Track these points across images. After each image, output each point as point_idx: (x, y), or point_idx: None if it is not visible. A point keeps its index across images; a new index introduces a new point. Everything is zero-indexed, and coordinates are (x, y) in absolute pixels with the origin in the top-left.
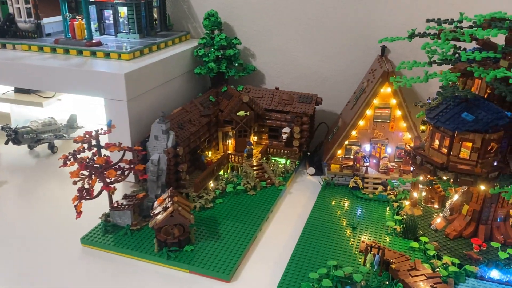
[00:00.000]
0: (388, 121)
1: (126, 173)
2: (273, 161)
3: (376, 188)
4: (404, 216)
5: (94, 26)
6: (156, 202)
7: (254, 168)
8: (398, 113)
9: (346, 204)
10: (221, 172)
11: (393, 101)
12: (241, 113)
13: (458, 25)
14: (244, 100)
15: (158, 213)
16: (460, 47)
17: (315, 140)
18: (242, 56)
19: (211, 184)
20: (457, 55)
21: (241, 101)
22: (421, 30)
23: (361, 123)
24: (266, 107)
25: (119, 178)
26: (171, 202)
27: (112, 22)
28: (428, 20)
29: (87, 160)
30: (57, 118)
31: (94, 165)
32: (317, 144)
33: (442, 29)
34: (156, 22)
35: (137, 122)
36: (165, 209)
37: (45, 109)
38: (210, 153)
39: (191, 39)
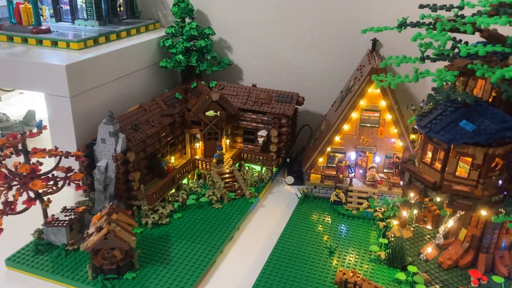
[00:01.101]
0: (377, 125)
1: (60, 183)
2: (247, 168)
3: (361, 204)
4: (391, 238)
5: (50, 11)
6: (92, 219)
7: (224, 176)
8: (389, 117)
9: (326, 222)
10: (185, 181)
11: (383, 103)
12: (210, 113)
13: (459, 12)
14: (213, 98)
15: (92, 234)
16: (460, 40)
17: (298, 145)
18: (216, 48)
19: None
20: (456, 49)
21: (210, 99)
22: (416, 20)
23: (346, 127)
24: (241, 107)
25: (51, 190)
26: (106, 221)
27: (69, 7)
28: (421, 6)
29: (10, 169)
30: (16, 114)
31: (18, 174)
32: (299, 150)
33: (439, 17)
34: (121, 8)
35: (84, 122)
36: (99, 229)
37: (3, 104)
38: (172, 159)
39: (161, 28)
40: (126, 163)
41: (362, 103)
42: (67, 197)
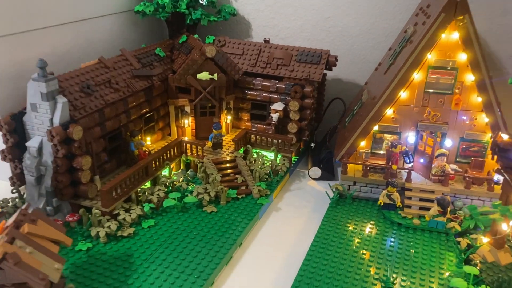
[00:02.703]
0: (450, 92)
1: None
2: (255, 156)
3: (427, 209)
4: (480, 265)
5: None
6: None
7: (223, 166)
8: (470, 78)
9: (373, 235)
10: (166, 172)
11: (462, 57)
12: (204, 75)
13: None
14: (207, 54)
15: None
16: None
17: (325, 125)
18: None
19: (145, 192)
20: None
21: (204, 56)
22: None
23: (403, 95)
24: (248, 70)
25: None
26: (7, 239)
27: None
28: None
29: None
30: None
31: None
32: (327, 131)
33: None
34: None
35: (13, 81)
36: None
37: None
38: (148, 140)
39: None
40: (68, 142)
41: (430, 57)
42: None
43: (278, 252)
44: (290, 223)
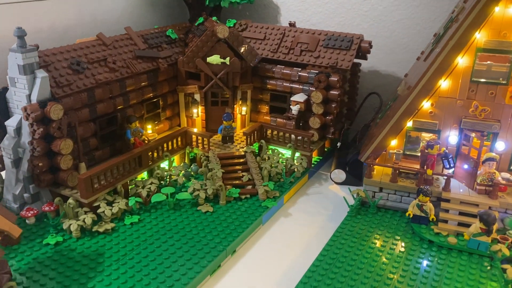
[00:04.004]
0: (505, 82)
1: None
2: (270, 153)
3: (467, 225)
4: None
5: None
6: None
7: (230, 162)
8: None
9: (395, 254)
10: (166, 165)
11: None
12: (215, 59)
13: None
14: (219, 34)
15: None
16: None
17: (360, 123)
18: None
19: (140, 184)
20: None
21: (215, 37)
22: None
23: (443, 84)
24: (268, 57)
25: None
26: None
27: None
28: None
29: None
30: None
31: None
32: (359, 130)
33: None
34: None
35: (2, 54)
36: None
37: None
38: (149, 128)
39: None
40: (45, 122)
41: (479, 37)
42: None
43: (275, 267)
44: (298, 233)
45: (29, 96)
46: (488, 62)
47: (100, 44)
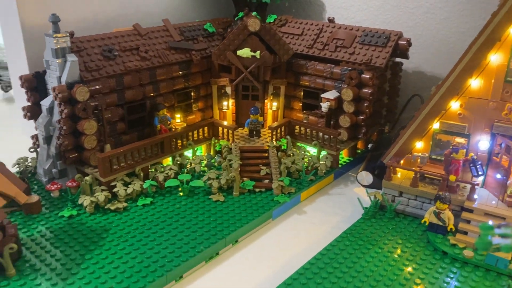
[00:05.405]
0: None
1: None
2: (296, 151)
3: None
4: None
5: None
6: None
7: (251, 155)
8: None
9: (401, 261)
10: (189, 153)
11: None
12: (245, 52)
13: None
14: (250, 27)
15: None
16: None
17: (400, 125)
18: None
19: (162, 167)
20: None
21: (246, 31)
22: None
23: (473, 83)
24: (303, 52)
25: None
26: None
27: None
28: None
29: None
30: None
31: None
32: (395, 133)
33: None
34: None
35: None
36: None
37: None
38: (178, 117)
39: None
40: (72, 102)
41: None
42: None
43: (273, 261)
44: (307, 231)
45: (59, 78)
46: None
47: (135, 34)
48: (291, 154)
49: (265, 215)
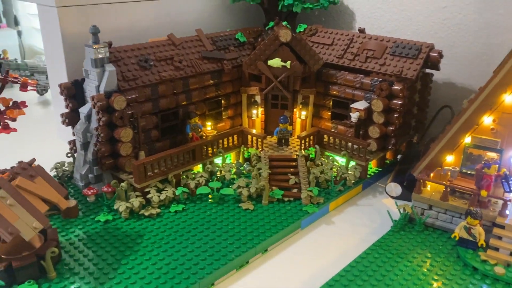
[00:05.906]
0: None
1: None
2: (324, 160)
3: None
4: None
5: None
6: None
7: (280, 164)
8: None
9: (430, 276)
10: (219, 161)
11: None
12: (276, 62)
13: None
14: (282, 38)
15: None
16: None
17: (430, 136)
18: None
19: (190, 176)
20: None
21: (278, 41)
22: None
23: (507, 98)
24: (333, 62)
25: None
26: None
27: None
28: None
29: None
30: None
31: None
32: (425, 144)
33: None
34: None
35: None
36: None
37: None
38: (209, 125)
39: None
40: (110, 111)
41: None
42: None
43: (302, 272)
44: (336, 242)
45: (98, 87)
46: None
47: (170, 44)
48: (320, 164)
49: (294, 225)
